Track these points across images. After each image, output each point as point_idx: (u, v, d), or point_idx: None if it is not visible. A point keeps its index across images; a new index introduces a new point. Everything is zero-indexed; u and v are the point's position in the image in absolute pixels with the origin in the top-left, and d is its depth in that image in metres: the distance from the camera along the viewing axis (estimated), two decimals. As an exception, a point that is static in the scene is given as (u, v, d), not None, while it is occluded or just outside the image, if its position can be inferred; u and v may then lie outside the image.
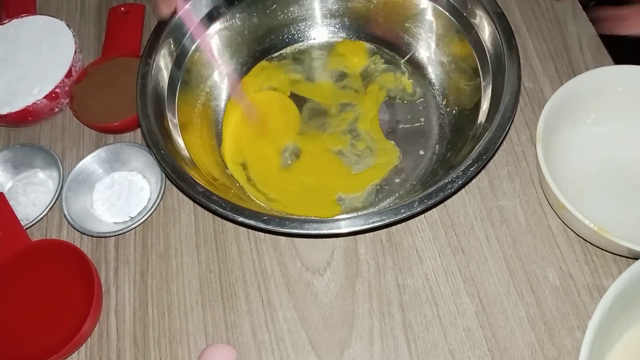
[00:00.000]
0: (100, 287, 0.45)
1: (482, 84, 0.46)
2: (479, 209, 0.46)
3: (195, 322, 0.44)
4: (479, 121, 0.44)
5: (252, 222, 0.40)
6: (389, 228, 0.46)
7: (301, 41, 0.57)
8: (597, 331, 0.32)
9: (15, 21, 0.60)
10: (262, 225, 0.39)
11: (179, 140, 0.47)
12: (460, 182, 0.39)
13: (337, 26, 0.56)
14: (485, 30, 0.46)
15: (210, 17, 0.52)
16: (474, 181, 0.47)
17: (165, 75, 0.49)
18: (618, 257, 0.43)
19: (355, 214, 0.41)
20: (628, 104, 0.46)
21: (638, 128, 0.46)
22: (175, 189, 0.50)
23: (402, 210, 0.39)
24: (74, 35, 0.58)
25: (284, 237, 0.47)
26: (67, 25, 0.59)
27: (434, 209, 0.46)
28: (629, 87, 0.45)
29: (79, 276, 0.46)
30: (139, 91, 0.46)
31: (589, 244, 0.43)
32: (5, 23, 0.60)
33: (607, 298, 0.33)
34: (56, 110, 0.56)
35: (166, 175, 0.46)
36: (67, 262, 0.46)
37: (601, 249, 0.43)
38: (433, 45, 0.52)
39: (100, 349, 0.44)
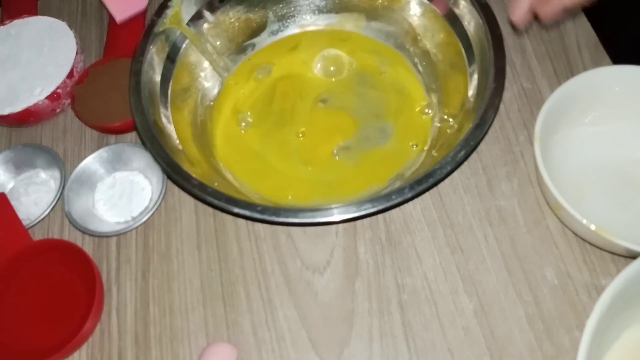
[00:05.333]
0: (101, 286, 0.46)
1: (468, 70, 0.47)
2: (478, 208, 0.46)
3: (196, 321, 0.44)
4: (466, 108, 0.45)
5: (247, 213, 0.40)
6: (388, 228, 0.46)
7: (290, 34, 0.57)
8: (596, 330, 0.32)
9: (16, 22, 0.61)
10: (257, 215, 0.40)
11: (174, 136, 0.48)
12: (449, 168, 0.40)
13: (324, 19, 0.57)
14: (469, 19, 0.47)
15: (200, 15, 0.53)
16: (472, 180, 0.47)
17: (157, 72, 0.49)
18: (616, 256, 0.43)
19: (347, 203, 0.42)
20: (626, 104, 0.46)
21: (636, 128, 0.46)
22: (176, 188, 0.50)
23: (394, 197, 0.40)
24: (75, 36, 0.58)
25: (284, 236, 0.47)
26: (69, 26, 0.59)
27: (432, 209, 0.46)
28: (627, 87, 0.45)
29: (81, 275, 0.46)
30: (132, 88, 0.47)
31: (587, 243, 0.43)
32: (6, 24, 0.61)
33: (605, 297, 0.33)
34: (58, 110, 0.57)
35: (162, 170, 0.46)
36: (68, 262, 0.47)
37: (599, 248, 0.43)
38: (419, 35, 0.53)
39: (102, 347, 0.44)
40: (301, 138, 0.51)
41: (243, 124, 0.53)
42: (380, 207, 0.40)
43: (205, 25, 0.53)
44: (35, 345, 0.45)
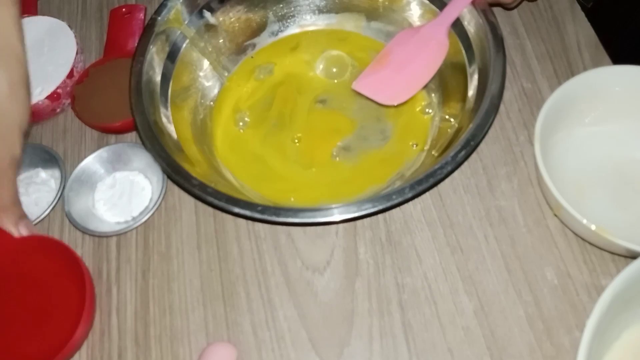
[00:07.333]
0: (92, 291, 0.44)
1: (468, 70, 0.47)
2: (478, 208, 0.46)
3: (196, 321, 0.44)
4: (466, 107, 0.46)
5: (247, 213, 0.41)
6: (388, 228, 0.46)
7: (290, 34, 0.57)
8: (596, 330, 0.32)
9: (17, 22, 0.61)
10: (258, 215, 0.40)
11: (174, 136, 0.48)
12: (449, 168, 0.41)
13: (324, 19, 0.57)
14: (469, 19, 0.48)
15: (200, 15, 0.53)
16: (472, 181, 0.47)
17: (157, 72, 0.50)
18: (616, 256, 0.43)
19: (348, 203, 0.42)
20: (626, 104, 0.46)
21: (636, 128, 0.46)
22: (176, 188, 0.50)
23: (394, 197, 0.40)
24: (75, 36, 0.58)
25: (284, 236, 0.47)
26: (69, 26, 0.59)
27: (432, 209, 0.46)
28: (627, 87, 0.45)
29: (70, 276, 0.45)
30: (132, 88, 0.47)
31: (587, 243, 0.43)
32: (7, 24, 0.61)
33: (606, 297, 0.33)
34: (58, 110, 0.56)
35: (162, 170, 0.46)
36: (58, 262, 0.45)
37: (599, 248, 0.43)
38: None
39: (102, 347, 0.44)
40: (297, 144, 0.51)
41: (241, 123, 0.53)
42: (380, 207, 0.40)
43: (206, 26, 0.53)
44: (25, 353, 0.43)
